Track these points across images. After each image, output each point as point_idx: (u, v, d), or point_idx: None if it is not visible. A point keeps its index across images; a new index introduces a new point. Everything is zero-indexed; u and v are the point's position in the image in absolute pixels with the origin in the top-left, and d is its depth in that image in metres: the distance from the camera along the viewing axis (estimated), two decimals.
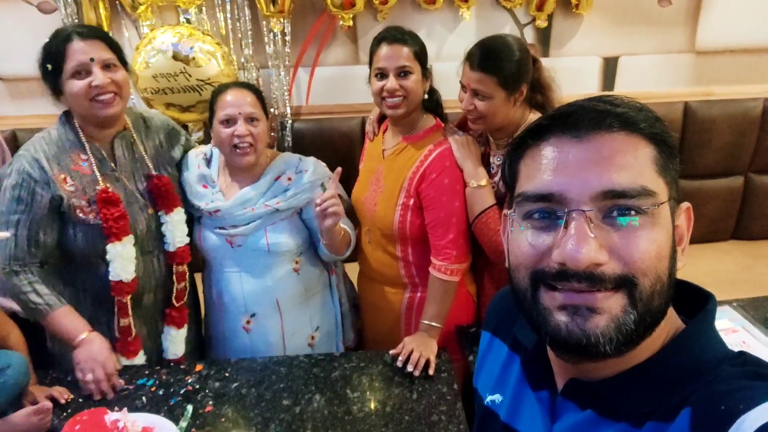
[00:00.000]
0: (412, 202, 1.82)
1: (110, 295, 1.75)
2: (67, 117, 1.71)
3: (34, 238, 1.64)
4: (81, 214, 1.66)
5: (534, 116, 1.81)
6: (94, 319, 1.76)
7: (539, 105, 1.82)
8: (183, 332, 1.91)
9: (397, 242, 1.90)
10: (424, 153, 1.82)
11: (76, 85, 1.59)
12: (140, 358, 1.83)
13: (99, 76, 1.58)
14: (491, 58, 1.68)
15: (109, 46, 1.64)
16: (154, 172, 1.80)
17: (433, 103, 1.89)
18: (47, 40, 1.64)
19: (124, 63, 1.68)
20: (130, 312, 1.76)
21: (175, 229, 1.82)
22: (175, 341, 1.90)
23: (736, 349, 0.65)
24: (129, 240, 1.70)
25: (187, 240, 1.85)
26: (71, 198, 1.65)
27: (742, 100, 2.83)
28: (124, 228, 1.69)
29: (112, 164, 1.73)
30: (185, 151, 1.94)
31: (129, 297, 1.74)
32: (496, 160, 1.88)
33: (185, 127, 2.46)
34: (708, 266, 2.73)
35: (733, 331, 1.79)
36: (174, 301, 1.88)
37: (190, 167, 1.91)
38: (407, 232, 1.85)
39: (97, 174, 1.69)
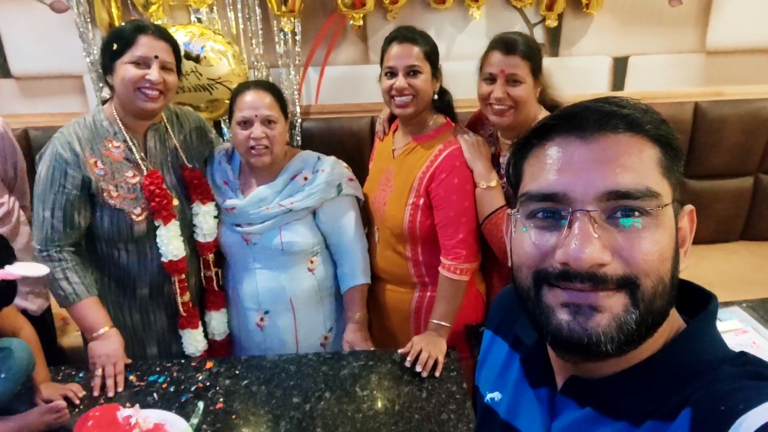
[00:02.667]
0: (422, 201, 1.83)
1: (133, 283, 1.84)
2: (104, 105, 1.79)
3: (69, 219, 1.71)
4: (108, 198, 1.73)
5: (542, 114, 1.81)
6: (117, 306, 1.86)
7: (547, 106, 1.83)
8: (223, 314, 2.02)
9: (407, 242, 1.91)
10: (434, 153, 1.82)
11: (130, 71, 1.66)
12: (199, 331, 1.94)
13: (155, 73, 1.67)
14: (524, 45, 1.70)
15: (174, 52, 1.74)
16: (188, 164, 1.87)
17: (444, 104, 1.89)
18: (123, 23, 1.74)
19: (179, 72, 1.78)
20: (187, 288, 1.87)
21: (209, 220, 1.88)
22: (218, 323, 2.00)
23: (745, 349, 0.65)
24: (175, 222, 1.79)
25: (216, 232, 1.91)
26: (99, 181, 1.72)
27: (753, 100, 2.81)
28: (171, 211, 1.78)
29: (143, 154, 1.79)
30: (213, 148, 2.00)
31: (184, 275, 1.85)
32: (506, 160, 1.88)
33: None
34: (717, 266, 2.72)
35: (743, 331, 1.79)
36: (206, 287, 1.98)
37: (214, 163, 1.95)
38: (417, 231, 1.86)
39: (128, 161, 1.76)
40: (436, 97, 1.85)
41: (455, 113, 1.94)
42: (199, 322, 1.94)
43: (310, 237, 1.89)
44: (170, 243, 1.78)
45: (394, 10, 2.62)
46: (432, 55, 1.79)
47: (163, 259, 1.80)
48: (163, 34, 1.72)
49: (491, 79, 1.73)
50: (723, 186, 2.91)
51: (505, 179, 1.84)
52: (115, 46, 1.68)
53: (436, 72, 1.81)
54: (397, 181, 1.90)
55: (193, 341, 1.92)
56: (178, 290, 1.86)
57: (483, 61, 1.77)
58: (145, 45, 1.67)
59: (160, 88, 1.68)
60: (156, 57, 1.67)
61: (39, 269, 1.53)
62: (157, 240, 1.79)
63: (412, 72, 1.76)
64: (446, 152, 1.81)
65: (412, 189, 1.84)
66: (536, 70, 1.72)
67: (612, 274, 0.60)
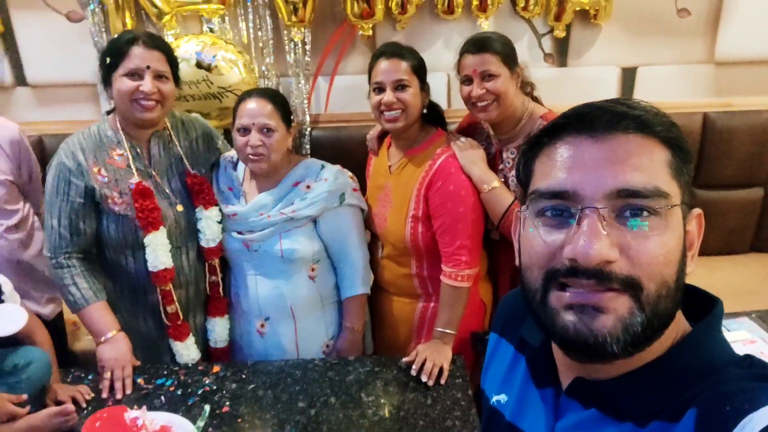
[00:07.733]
0: (421, 212, 1.84)
1: (143, 289, 1.84)
2: (108, 115, 1.82)
3: (75, 226, 1.74)
4: (113, 205, 1.75)
5: (535, 107, 1.87)
6: (132, 313, 1.87)
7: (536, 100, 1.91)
8: (226, 321, 2.00)
9: (411, 256, 1.92)
10: (429, 162, 1.83)
11: (125, 84, 1.69)
12: (191, 342, 1.91)
13: (148, 84, 1.68)
14: (488, 41, 1.77)
15: (168, 59, 1.75)
16: (192, 170, 1.87)
17: (435, 117, 1.91)
18: (116, 36, 1.77)
19: (176, 78, 1.78)
20: (174, 298, 1.85)
21: (212, 225, 1.88)
22: (220, 330, 1.99)
23: None
24: (162, 230, 1.79)
25: (220, 236, 1.91)
26: (103, 188, 1.74)
27: (762, 111, 2.80)
28: (158, 219, 1.77)
29: (146, 161, 1.81)
30: (219, 155, 2.01)
31: (171, 284, 1.83)
32: (509, 155, 1.89)
33: None
34: (726, 278, 2.70)
35: (752, 342, 1.79)
36: (210, 293, 1.97)
37: (219, 169, 1.97)
38: (420, 244, 1.87)
39: (131, 168, 1.78)
40: (425, 111, 1.86)
41: (446, 123, 1.96)
42: (189, 335, 1.91)
43: (311, 245, 1.89)
44: (156, 251, 1.78)
45: (403, 20, 2.64)
46: (419, 70, 1.81)
47: (151, 269, 1.79)
48: (155, 43, 1.73)
49: (468, 80, 1.80)
50: (732, 197, 2.89)
51: (512, 172, 1.86)
52: (108, 60, 1.70)
53: (424, 86, 1.83)
54: (396, 196, 1.91)
55: (184, 350, 1.90)
56: (162, 300, 1.84)
57: (458, 66, 1.84)
58: (137, 56, 1.68)
59: (156, 98, 1.70)
60: (148, 67, 1.68)
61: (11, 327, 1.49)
62: (146, 249, 1.78)
63: (400, 86, 1.78)
64: (440, 160, 1.82)
65: (411, 201, 1.86)
66: (509, 62, 1.78)
67: (617, 272, 0.60)
